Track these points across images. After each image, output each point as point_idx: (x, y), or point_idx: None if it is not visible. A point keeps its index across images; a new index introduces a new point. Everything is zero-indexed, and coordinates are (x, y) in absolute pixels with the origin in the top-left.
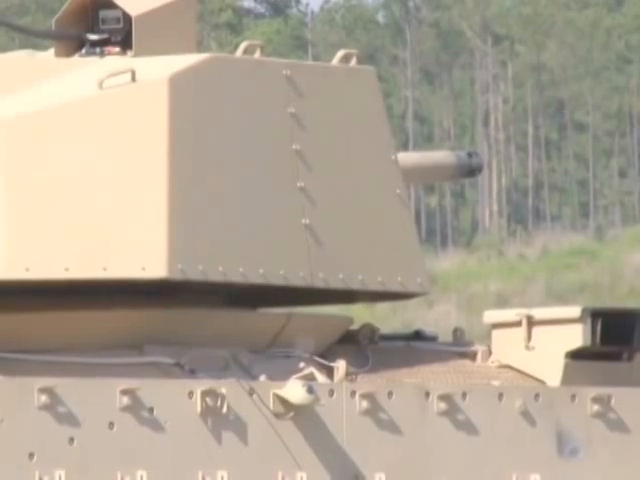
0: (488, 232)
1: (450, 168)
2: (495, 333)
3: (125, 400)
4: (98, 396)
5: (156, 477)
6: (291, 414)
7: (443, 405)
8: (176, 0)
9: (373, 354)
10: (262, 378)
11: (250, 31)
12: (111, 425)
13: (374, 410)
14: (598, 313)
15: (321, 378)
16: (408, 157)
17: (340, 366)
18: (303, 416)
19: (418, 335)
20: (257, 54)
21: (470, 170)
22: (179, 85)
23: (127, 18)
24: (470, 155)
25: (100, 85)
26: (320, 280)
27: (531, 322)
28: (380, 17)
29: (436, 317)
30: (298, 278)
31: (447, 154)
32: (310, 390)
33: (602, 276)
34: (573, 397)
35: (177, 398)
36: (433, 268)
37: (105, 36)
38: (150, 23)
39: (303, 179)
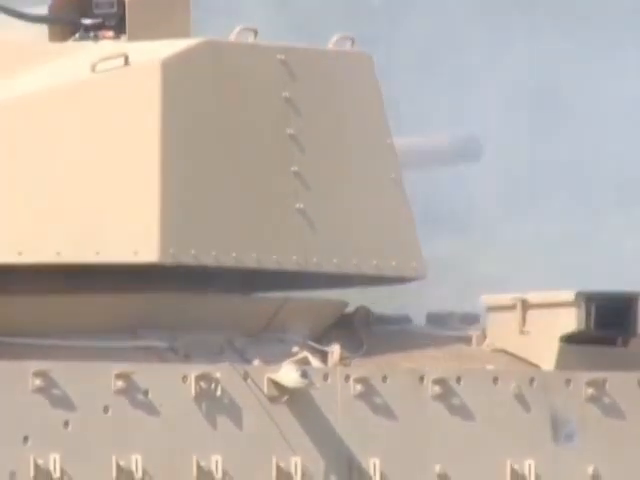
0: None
1: (450, 153)
2: (490, 317)
3: (120, 384)
4: (93, 380)
5: (151, 461)
6: (285, 398)
7: (437, 389)
8: None
9: (368, 338)
10: (256, 362)
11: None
12: (106, 409)
13: (368, 394)
14: (593, 297)
15: (315, 362)
16: (407, 142)
17: (334, 350)
18: (297, 400)
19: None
20: (251, 38)
21: (470, 155)
22: (172, 69)
23: (121, 2)
24: (470, 140)
25: (93, 69)
26: (314, 264)
27: (525, 306)
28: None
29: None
30: (292, 262)
31: (446, 139)
32: (304, 374)
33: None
34: (568, 381)
35: (171, 382)
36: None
37: (99, 20)
38: (144, 7)
39: (297, 163)
